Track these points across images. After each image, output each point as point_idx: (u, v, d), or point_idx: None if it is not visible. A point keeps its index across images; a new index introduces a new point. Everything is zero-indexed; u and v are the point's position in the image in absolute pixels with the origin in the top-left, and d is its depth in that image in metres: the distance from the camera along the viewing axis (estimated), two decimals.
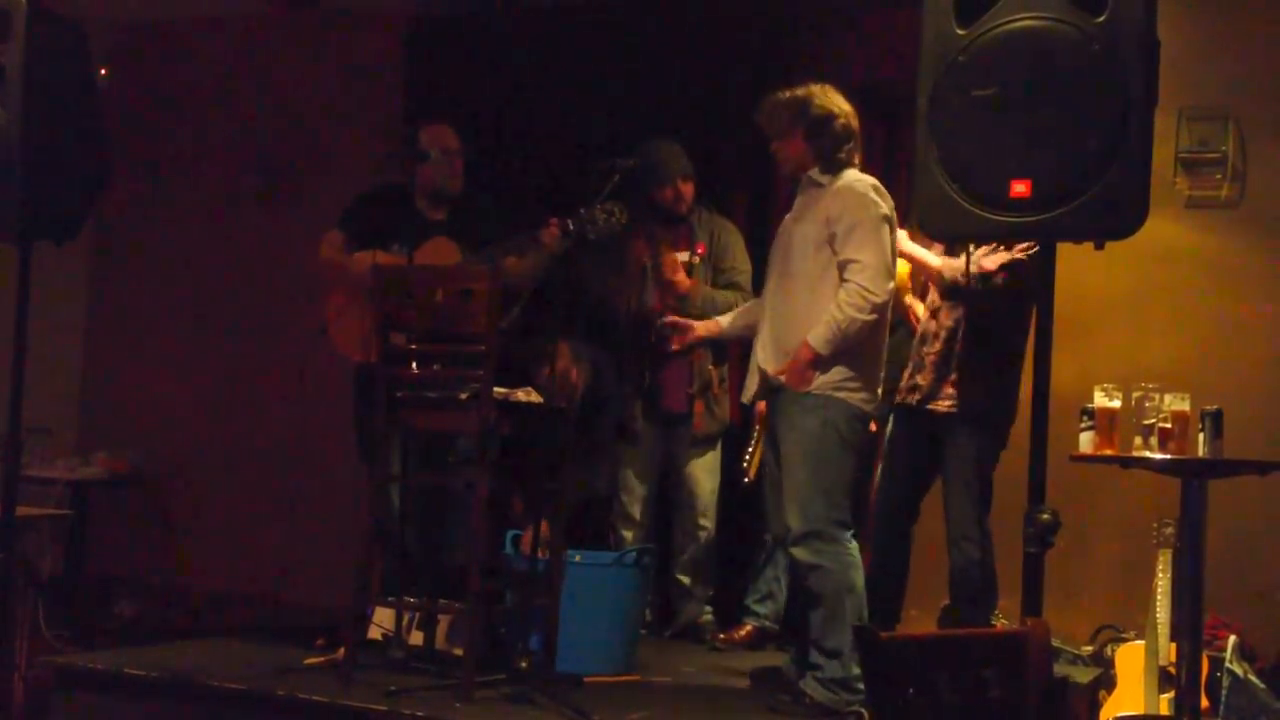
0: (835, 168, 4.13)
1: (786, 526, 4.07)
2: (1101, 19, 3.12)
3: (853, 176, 4.12)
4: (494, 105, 5.97)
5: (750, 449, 4.97)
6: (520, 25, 6.08)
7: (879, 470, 4.74)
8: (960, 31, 3.25)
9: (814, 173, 4.15)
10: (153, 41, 6.93)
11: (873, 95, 5.48)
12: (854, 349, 4.02)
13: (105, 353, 7.00)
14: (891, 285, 4.06)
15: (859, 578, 4.02)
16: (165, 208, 6.83)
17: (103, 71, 4.21)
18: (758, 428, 4.95)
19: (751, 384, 4.25)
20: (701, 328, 4.68)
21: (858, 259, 3.98)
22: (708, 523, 5.18)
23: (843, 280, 4.00)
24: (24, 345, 4.03)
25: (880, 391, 4.18)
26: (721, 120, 5.62)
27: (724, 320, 4.64)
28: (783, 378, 4.06)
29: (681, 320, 4.79)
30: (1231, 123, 5.14)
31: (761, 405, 4.59)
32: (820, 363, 4.00)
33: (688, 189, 5.20)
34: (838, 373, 4.01)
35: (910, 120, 3.51)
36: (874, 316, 4.00)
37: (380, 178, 5.03)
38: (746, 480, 4.96)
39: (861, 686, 3.91)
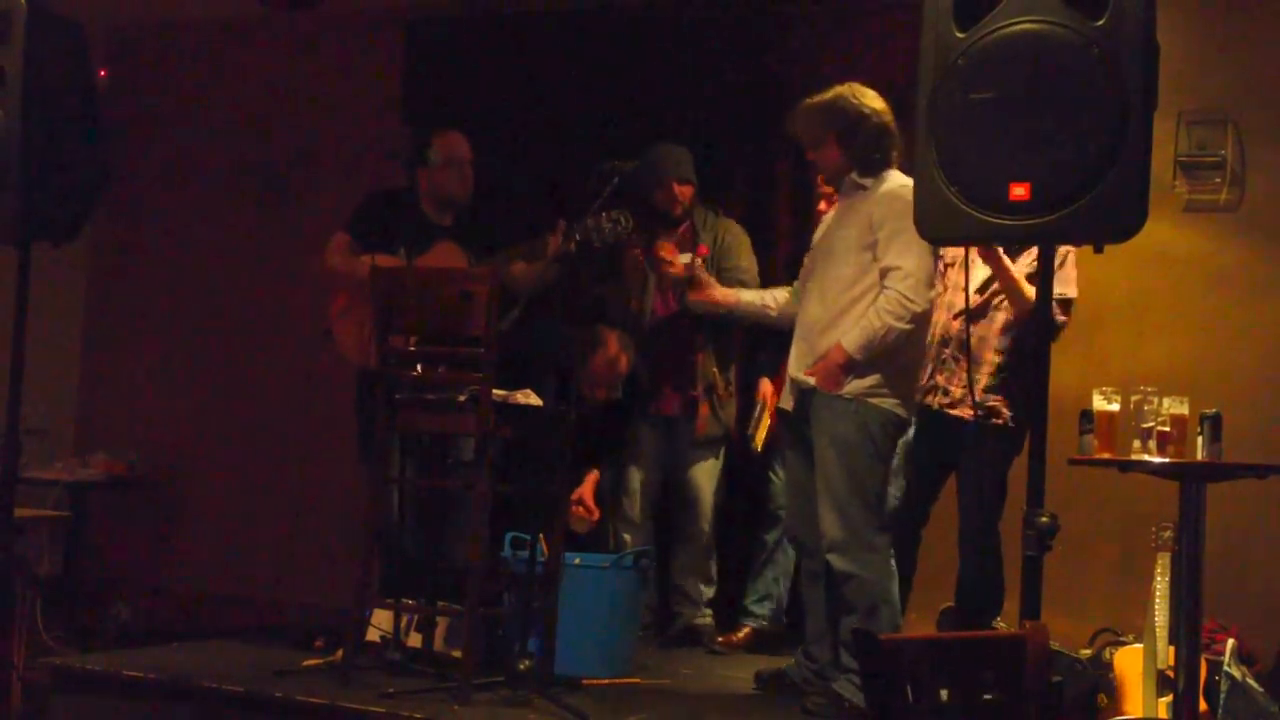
0: (875, 169, 4.07)
1: (818, 532, 4.02)
2: (1101, 23, 3.11)
3: (897, 180, 4.03)
4: (493, 107, 5.97)
5: (755, 419, 4.96)
6: (519, 26, 6.08)
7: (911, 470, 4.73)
8: (959, 35, 3.25)
9: (854, 175, 4.10)
10: (152, 43, 6.93)
11: None
12: (890, 355, 3.97)
13: (103, 354, 7.00)
14: (932, 294, 4.02)
15: (895, 588, 4.00)
16: (164, 209, 6.84)
17: (102, 73, 4.21)
18: (762, 399, 4.96)
19: (792, 371, 4.18)
20: (720, 294, 4.74)
21: (900, 266, 3.92)
22: (707, 526, 5.18)
23: (883, 286, 3.94)
24: (22, 346, 4.02)
25: (914, 394, 4.15)
26: (723, 122, 5.62)
27: (745, 295, 4.64)
28: (812, 379, 4.02)
29: (703, 278, 4.82)
30: (1231, 126, 5.14)
31: (766, 384, 4.58)
32: (851, 367, 3.94)
33: (683, 191, 5.19)
34: (874, 378, 3.97)
35: (909, 125, 3.51)
36: (911, 326, 3.95)
37: (383, 181, 5.03)
38: (755, 449, 4.96)
39: None
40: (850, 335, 3.94)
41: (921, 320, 4.02)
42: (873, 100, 4.07)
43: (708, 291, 4.80)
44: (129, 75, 6.76)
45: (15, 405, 4.01)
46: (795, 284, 4.44)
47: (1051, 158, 3.13)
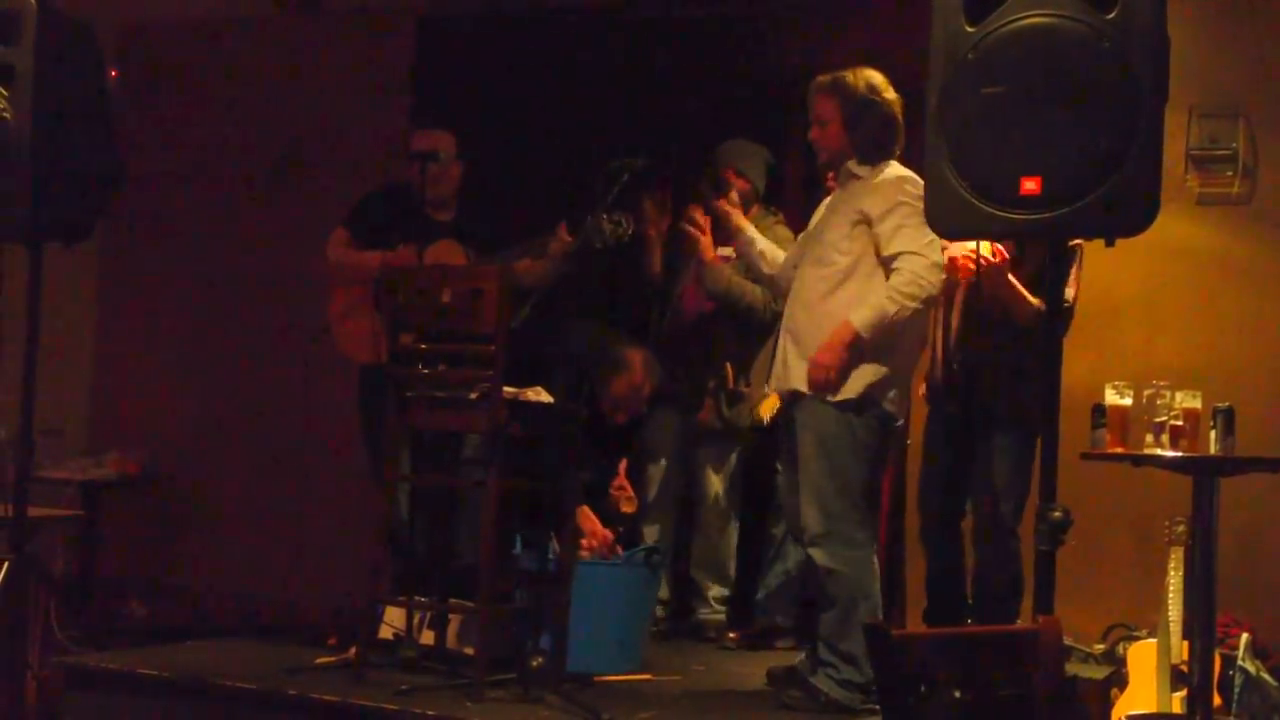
0: (874, 158, 4.04)
1: (801, 525, 4.04)
2: (1112, 15, 3.10)
3: (895, 171, 4.02)
4: (504, 104, 5.97)
5: (764, 393, 4.95)
6: (530, 23, 6.08)
7: (921, 469, 4.71)
8: (970, 29, 3.24)
9: (852, 164, 4.07)
10: (163, 43, 6.94)
11: None
12: (887, 346, 3.94)
13: (116, 354, 7.01)
14: (942, 278, 3.98)
15: (875, 585, 3.99)
16: (176, 208, 6.84)
17: (113, 73, 4.22)
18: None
19: (778, 373, 4.17)
20: (737, 219, 4.60)
21: (910, 249, 3.88)
22: (716, 521, 5.17)
23: (894, 269, 3.89)
24: (35, 346, 4.03)
25: (905, 393, 4.12)
26: (732, 119, 5.61)
27: (756, 237, 4.48)
28: (804, 371, 3.98)
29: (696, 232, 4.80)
30: (1242, 119, 5.12)
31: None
32: (858, 345, 3.89)
33: (736, 183, 5.14)
34: (864, 373, 3.94)
35: (919, 119, 3.50)
36: (922, 307, 3.93)
37: (388, 177, 5.03)
38: (760, 422, 4.93)
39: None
40: (860, 313, 3.89)
41: (930, 304, 3.99)
42: (884, 88, 4.04)
43: (723, 204, 4.65)
44: (140, 74, 6.77)
45: (29, 405, 4.02)
46: (788, 257, 4.41)
47: (1062, 151, 3.12)
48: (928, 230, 3.81)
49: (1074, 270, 4.32)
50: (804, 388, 3.99)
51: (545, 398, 4.18)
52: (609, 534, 4.75)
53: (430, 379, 4.11)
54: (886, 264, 3.93)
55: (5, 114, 3.87)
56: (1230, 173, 5.13)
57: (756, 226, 5.11)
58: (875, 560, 4.02)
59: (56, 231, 4.02)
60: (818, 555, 3.96)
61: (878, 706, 3.89)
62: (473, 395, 3.99)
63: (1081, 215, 3.12)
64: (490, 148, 5.04)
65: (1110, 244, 3.23)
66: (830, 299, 4.01)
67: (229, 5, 6.63)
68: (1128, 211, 3.11)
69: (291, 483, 6.45)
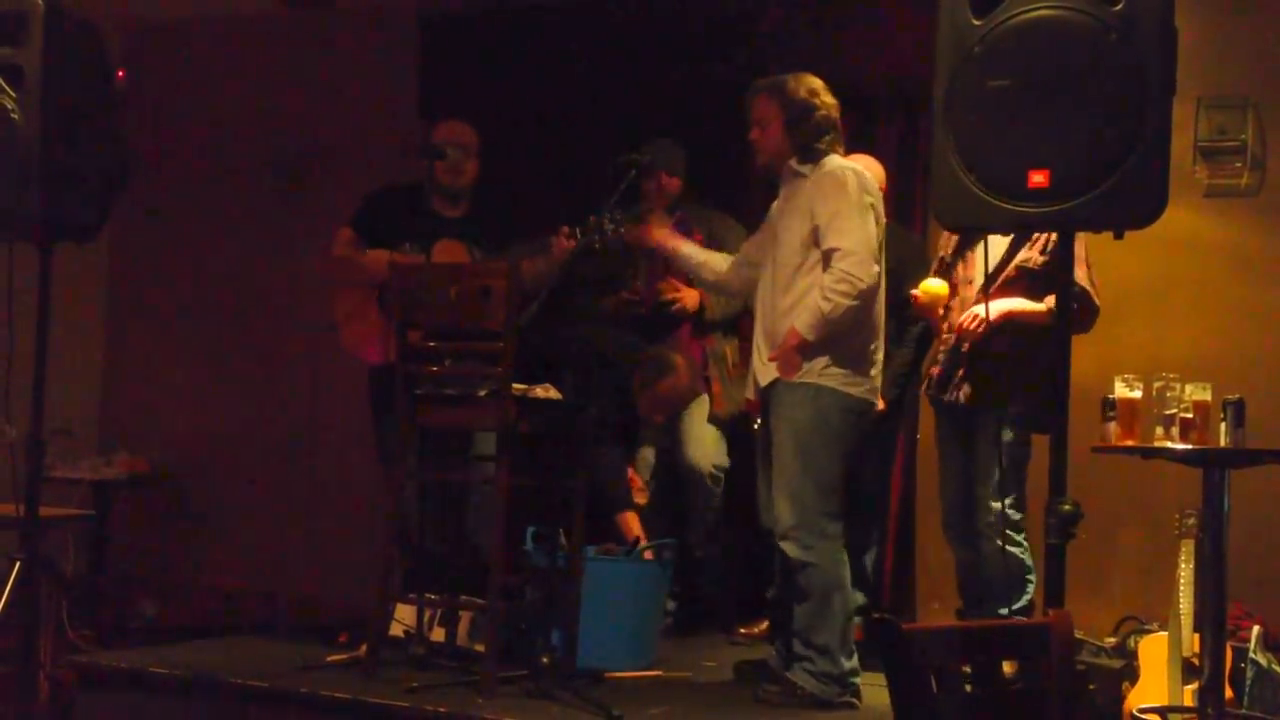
0: (815, 157, 4.12)
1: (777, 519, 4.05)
2: (1118, 7, 3.10)
3: (835, 164, 4.10)
4: (509, 100, 5.97)
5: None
6: (534, 20, 6.08)
7: (939, 465, 4.70)
8: (976, 22, 3.23)
9: (794, 163, 4.14)
10: (169, 42, 6.95)
11: (889, 88, 5.48)
12: (845, 337, 4.01)
13: (125, 354, 7.03)
14: (877, 269, 4.04)
15: (847, 574, 4.03)
16: (183, 208, 6.85)
17: (120, 73, 4.21)
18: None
19: (753, 375, 4.23)
20: (663, 236, 4.54)
21: (840, 245, 3.98)
22: (714, 515, 5.17)
23: (827, 267, 3.99)
24: (45, 347, 4.04)
25: (876, 379, 4.15)
26: (737, 115, 5.60)
27: (686, 247, 4.49)
28: (774, 364, 4.06)
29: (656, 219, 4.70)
30: (1250, 110, 5.10)
31: None
32: (807, 349, 3.99)
33: (669, 183, 5.21)
34: (824, 361, 4.01)
35: (927, 112, 3.50)
36: (859, 302, 3.99)
37: (395, 175, 5.03)
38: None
39: (853, 681, 3.96)
40: (801, 318, 4.00)
41: (869, 295, 4.04)
42: (823, 92, 4.14)
43: (652, 230, 4.59)
44: (146, 74, 6.78)
45: (39, 406, 4.03)
46: (738, 255, 4.46)
47: (1070, 144, 3.11)
48: (863, 222, 3.98)
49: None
50: (777, 374, 4.05)
51: (554, 394, 4.18)
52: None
53: (440, 376, 4.12)
54: (825, 258, 4.02)
55: (14, 115, 3.87)
56: (1239, 164, 5.12)
57: (701, 217, 5.19)
58: (844, 551, 4.05)
59: (66, 232, 4.03)
60: (790, 549, 4.00)
61: (854, 700, 3.93)
62: (482, 392, 3.99)
63: (1090, 208, 3.11)
64: (496, 143, 5.03)
65: (1119, 236, 3.22)
66: (790, 296, 4.08)
67: (235, 3, 6.64)
68: (1136, 204, 3.10)
69: (301, 481, 6.45)
